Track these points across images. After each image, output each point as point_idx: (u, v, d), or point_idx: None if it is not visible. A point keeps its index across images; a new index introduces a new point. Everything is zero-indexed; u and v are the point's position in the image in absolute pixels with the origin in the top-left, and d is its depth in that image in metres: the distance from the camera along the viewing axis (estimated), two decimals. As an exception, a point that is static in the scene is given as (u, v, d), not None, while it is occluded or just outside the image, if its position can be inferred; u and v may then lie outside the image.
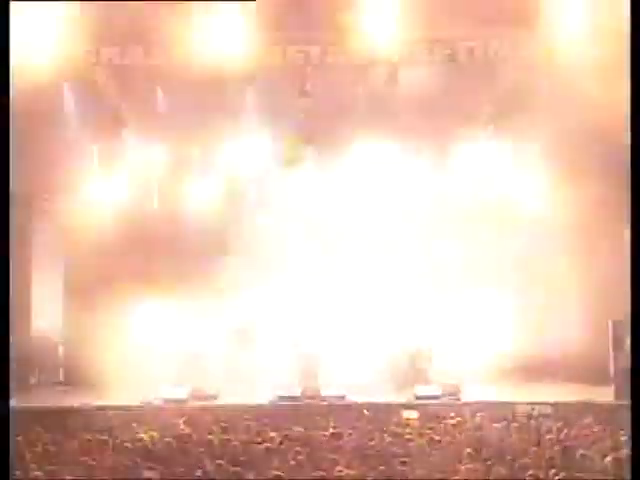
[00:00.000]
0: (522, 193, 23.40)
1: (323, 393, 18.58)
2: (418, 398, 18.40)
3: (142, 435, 13.46)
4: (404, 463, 10.82)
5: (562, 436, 12.90)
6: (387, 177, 23.21)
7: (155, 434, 13.58)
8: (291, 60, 19.36)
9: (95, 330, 21.94)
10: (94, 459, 11.44)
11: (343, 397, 18.47)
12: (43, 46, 18.78)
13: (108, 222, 23.22)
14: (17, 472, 10.56)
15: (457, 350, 22.82)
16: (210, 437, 12.95)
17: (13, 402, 15.06)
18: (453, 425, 14.04)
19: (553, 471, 10.58)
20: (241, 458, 11.41)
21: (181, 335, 22.08)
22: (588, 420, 14.44)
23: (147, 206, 23.37)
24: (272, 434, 13.28)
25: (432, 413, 15.94)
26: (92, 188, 23.47)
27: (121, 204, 23.30)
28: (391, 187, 23.57)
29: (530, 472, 10.59)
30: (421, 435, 12.89)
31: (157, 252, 23.06)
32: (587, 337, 20.32)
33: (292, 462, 10.88)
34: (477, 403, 17.24)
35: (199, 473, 10.55)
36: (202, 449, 11.95)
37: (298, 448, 11.82)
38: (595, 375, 19.88)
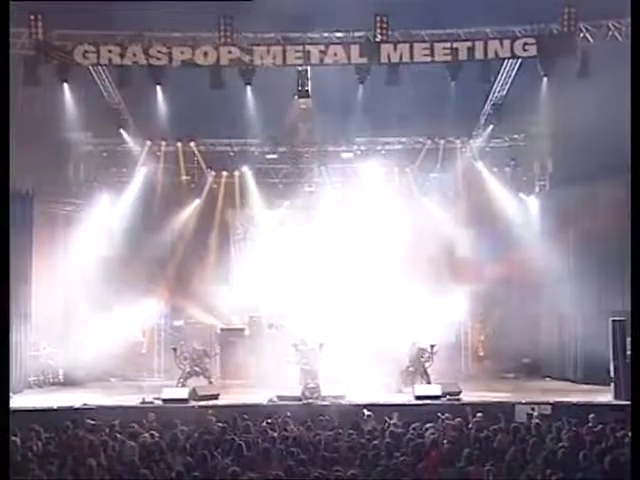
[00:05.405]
0: (522, 195, 23.51)
1: (323, 393, 18.57)
2: (418, 398, 18.39)
3: (143, 435, 13.46)
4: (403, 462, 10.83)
5: (562, 436, 12.90)
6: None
7: (155, 434, 13.59)
8: (291, 60, 19.41)
9: (95, 331, 21.94)
10: (94, 459, 11.44)
11: (343, 397, 18.47)
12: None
13: (109, 222, 23.29)
14: (17, 472, 10.55)
15: (457, 350, 22.87)
16: (210, 437, 12.95)
17: (13, 402, 15.09)
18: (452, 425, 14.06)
19: (553, 471, 10.59)
20: (241, 458, 11.42)
21: (181, 336, 22.07)
22: (588, 420, 14.43)
23: (146, 207, 23.43)
24: (272, 434, 13.28)
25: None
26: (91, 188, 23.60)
27: (121, 204, 23.41)
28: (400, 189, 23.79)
29: (529, 472, 10.60)
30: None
31: (157, 253, 23.03)
32: (587, 337, 20.30)
33: (292, 462, 10.87)
34: (477, 404, 17.22)
35: (199, 472, 10.55)
36: (202, 449, 11.94)
37: (298, 448, 11.82)
38: (595, 375, 19.87)
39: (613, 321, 18.64)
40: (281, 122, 22.62)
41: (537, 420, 14.89)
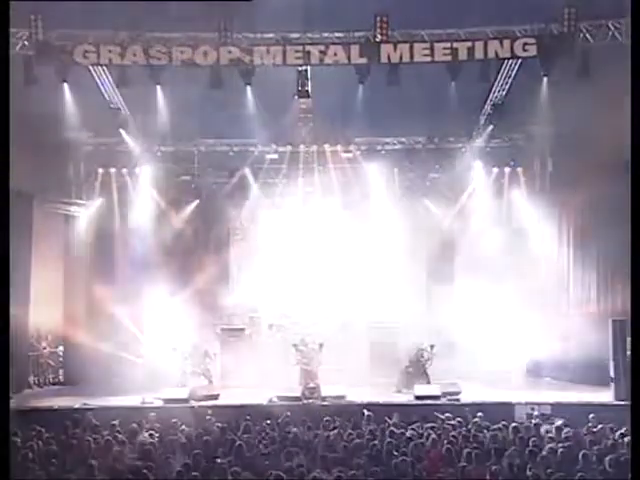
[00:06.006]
0: (522, 197, 23.49)
1: (323, 393, 18.58)
2: (418, 398, 18.38)
3: (143, 435, 13.46)
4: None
5: (562, 436, 12.90)
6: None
7: (155, 434, 13.60)
8: (291, 60, 19.40)
9: (95, 330, 21.93)
10: (94, 459, 11.44)
11: (343, 397, 18.47)
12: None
13: (108, 222, 23.27)
14: (17, 472, 10.55)
15: (458, 351, 22.83)
16: (210, 437, 12.95)
17: (13, 402, 15.08)
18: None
19: (553, 471, 10.59)
20: (241, 458, 11.42)
21: (182, 335, 22.00)
22: (588, 420, 14.44)
23: (146, 207, 23.43)
24: (272, 434, 13.29)
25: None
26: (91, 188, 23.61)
27: (120, 204, 23.41)
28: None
29: (529, 472, 10.60)
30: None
31: (157, 254, 22.99)
32: (587, 337, 20.27)
33: (292, 462, 10.87)
34: (477, 404, 17.22)
35: (199, 473, 10.55)
36: (202, 449, 11.95)
37: (298, 448, 11.83)
38: (595, 375, 19.86)
39: (613, 321, 18.63)
40: (281, 122, 22.61)
41: (537, 420, 14.91)
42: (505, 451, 11.66)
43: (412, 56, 19.18)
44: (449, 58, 19.18)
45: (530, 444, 11.94)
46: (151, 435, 13.46)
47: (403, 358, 20.23)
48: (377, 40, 19.18)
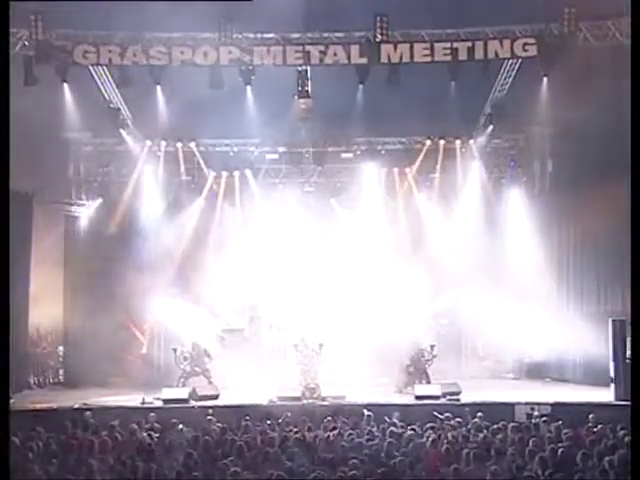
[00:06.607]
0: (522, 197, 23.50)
1: (323, 393, 18.57)
2: (418, 398, 18.38)
3: (142, 435, 13.45)
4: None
5: (562, 436, 12.89)
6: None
7: (155, 434, 13.59)
8: (291, 60, 19.43)
9: (96, 330, 21.93)
10: (94, 459, 11.43)
11: (343, 397, 18.47)
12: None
13: (108, 222, 23.27)
14: (17, 472, 10.55)
15: (457, 350, 22.86)
16: (210, 437, 12.94)
17: (13, 402, 15.09)
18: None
19: (553, 471, 10.58)
20: (241, 458, 11.41)
21: (182, 335, 22.03)
22: (588, 420, 14.43)
23: (146, 207, 23.42)
24: (272, 434, 13.28)
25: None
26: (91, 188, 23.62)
27: (120, 204, 23.40)
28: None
29: (529, 472, 10.59)
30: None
31: (157, 254, 22.97)
32: (587, 337, 20.28)
33: (292, 462, 10.86)
34: (477, 404, 17.21)
35: (199, 473, 10.55)
36: (202, 449, 11.94)
37: (298, 448, 11.82)
38: (595, 375, 19.87)
39: (613, 321, 18.63)
40: (281, 122, 22.61)
41: (537, 420, 14.90)
42: (505, 451, 11.65)
43: (412, 56, 19.20)
44: (449, 58, 19.20)
45: (530, 444, 11.93)
46: (151, 435, 13.45)
47: (403, 358, 20.22)
48: (377, 40, 19.20)
